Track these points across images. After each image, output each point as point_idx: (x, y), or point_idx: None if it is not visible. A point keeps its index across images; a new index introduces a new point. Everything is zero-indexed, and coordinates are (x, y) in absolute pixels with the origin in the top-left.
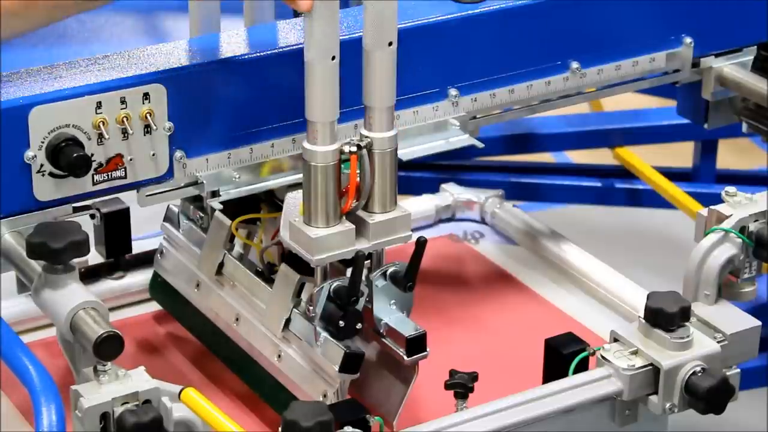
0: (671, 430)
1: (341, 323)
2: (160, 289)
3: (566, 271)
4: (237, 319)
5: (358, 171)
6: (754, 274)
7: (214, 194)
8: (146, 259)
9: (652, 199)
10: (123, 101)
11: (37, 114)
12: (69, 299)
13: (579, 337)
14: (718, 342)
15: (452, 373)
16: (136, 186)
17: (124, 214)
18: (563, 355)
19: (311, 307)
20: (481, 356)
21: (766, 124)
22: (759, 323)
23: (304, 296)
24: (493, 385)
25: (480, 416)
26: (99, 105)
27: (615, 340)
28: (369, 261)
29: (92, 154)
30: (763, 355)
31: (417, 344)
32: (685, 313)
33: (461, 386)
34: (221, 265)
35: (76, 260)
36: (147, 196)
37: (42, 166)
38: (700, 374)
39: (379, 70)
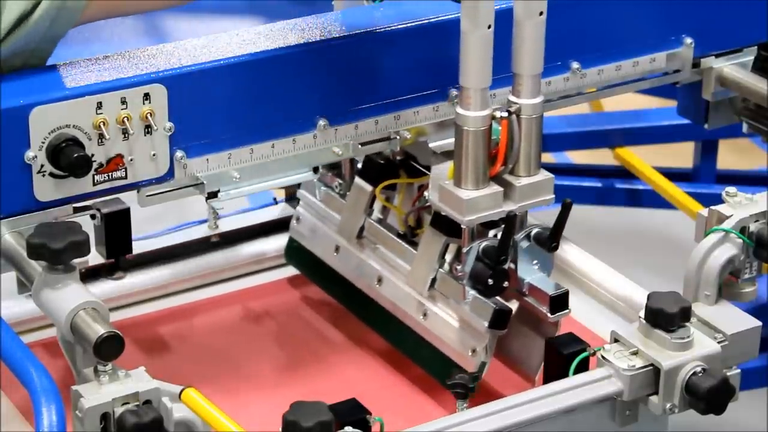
0: (671, 430)
1: (490, 281)
2: (295, 253)
3: (566, 271)
4: (379, 281)
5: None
6: (754, 275)
7: (214, 195)
8: (147, 260)
9: (652, 200)
10: (123, 101)
11: (38, 114)
12: (69, 299)
13: (579, 337)
14: (719, 342)
15: (452, 373)
16: (137, 186)
17: (124, 215)
18: (564, 355)
19: (458, 267)
20: None
21: (766, 125)
22: (759, 323)
23: (448, 257)
24: (493, 385)
25: (480, 416)
26: (99, 105)
27: (615, 340)
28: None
29: (93, 155)
30: (763, 356)
31: (560, 302)
32: (685, 314)
33: (461, 386)
34: (361, 230)
35: (76, 260)
36: (147, 196)
37: (42, 166)
38: (700, 374)
39: (528, 38)
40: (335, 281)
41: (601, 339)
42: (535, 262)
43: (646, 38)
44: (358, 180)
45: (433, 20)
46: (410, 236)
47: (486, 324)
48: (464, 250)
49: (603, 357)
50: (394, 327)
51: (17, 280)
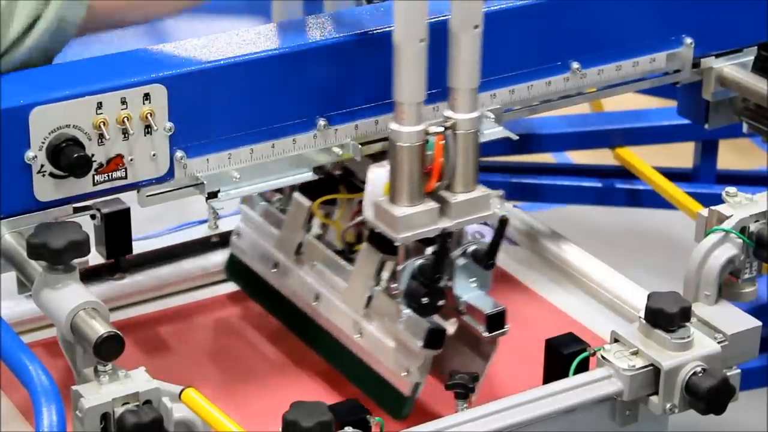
0: (671, 431)
1: (424, 300)
2: (236, 269)
3: (566, 271)
4: (317, 298)
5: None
6: (754, 275)
7: (214, 195)
8: (147, 260)
9: (652, 200)
10: (123, 101)
11: (38, 114)
12: (69, 299)
13: (579, 337)
14: (719, 342)
15: (452, 373)
16: (137, 186)
17: (124, 215)
18: (564, 355)
19: (393, 285)
20: None
21: (766, 125)
22: (759, 323)
23: (384, 275)
24: (493, 385)
25: (480, 416)
26: (99, 105)
27: (615, 340)
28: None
29: (93, 155)
30: (763, 356)
31: (497, 321)
32: (685, 314)
33: (461, 386)
34: (300, 246)
35: (76, 260)
36: (147, 196)
37: (42, 166)
38: (700, 374)
39: (464, 52)
40: (275, 299)
41: (601, 339)
42: (472, 279)
43: (646, 38)
44: (296, 195)
45: (432, 20)
46: (348, 252)
47: (420, 344)
48: (399, 267)
49: (603, 357)
50: (331, 346)
51: (17, 280)
